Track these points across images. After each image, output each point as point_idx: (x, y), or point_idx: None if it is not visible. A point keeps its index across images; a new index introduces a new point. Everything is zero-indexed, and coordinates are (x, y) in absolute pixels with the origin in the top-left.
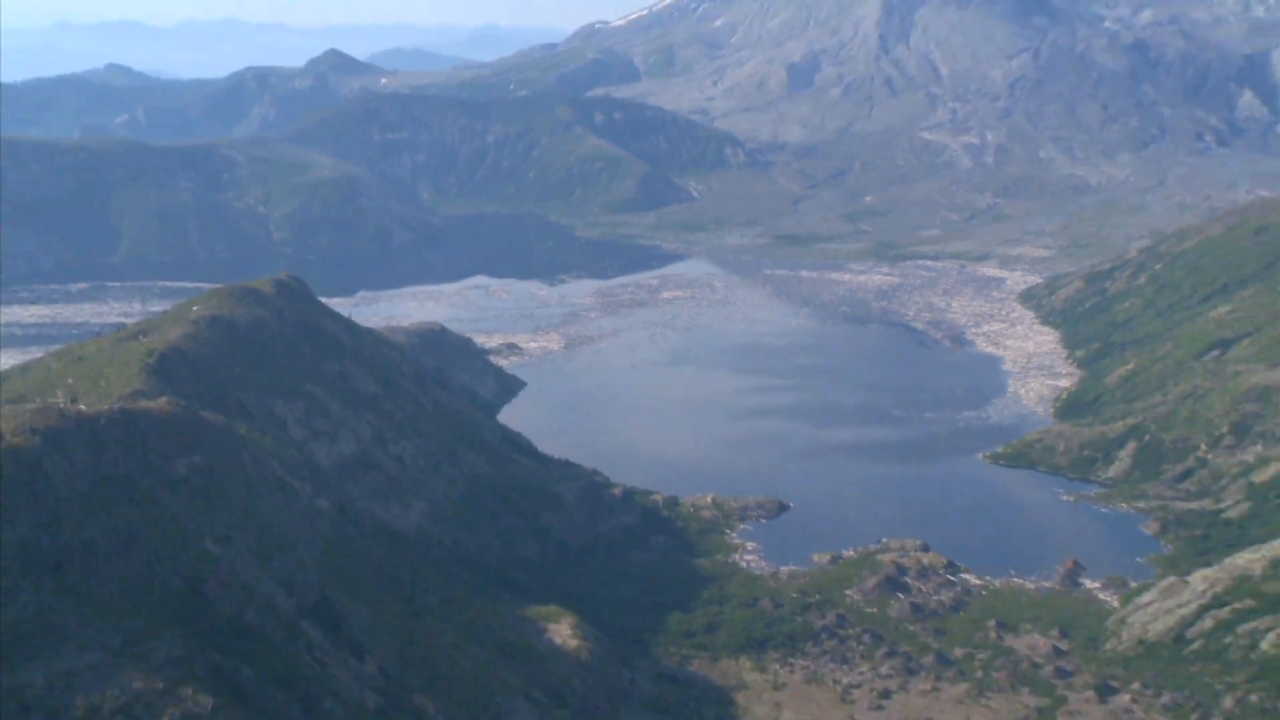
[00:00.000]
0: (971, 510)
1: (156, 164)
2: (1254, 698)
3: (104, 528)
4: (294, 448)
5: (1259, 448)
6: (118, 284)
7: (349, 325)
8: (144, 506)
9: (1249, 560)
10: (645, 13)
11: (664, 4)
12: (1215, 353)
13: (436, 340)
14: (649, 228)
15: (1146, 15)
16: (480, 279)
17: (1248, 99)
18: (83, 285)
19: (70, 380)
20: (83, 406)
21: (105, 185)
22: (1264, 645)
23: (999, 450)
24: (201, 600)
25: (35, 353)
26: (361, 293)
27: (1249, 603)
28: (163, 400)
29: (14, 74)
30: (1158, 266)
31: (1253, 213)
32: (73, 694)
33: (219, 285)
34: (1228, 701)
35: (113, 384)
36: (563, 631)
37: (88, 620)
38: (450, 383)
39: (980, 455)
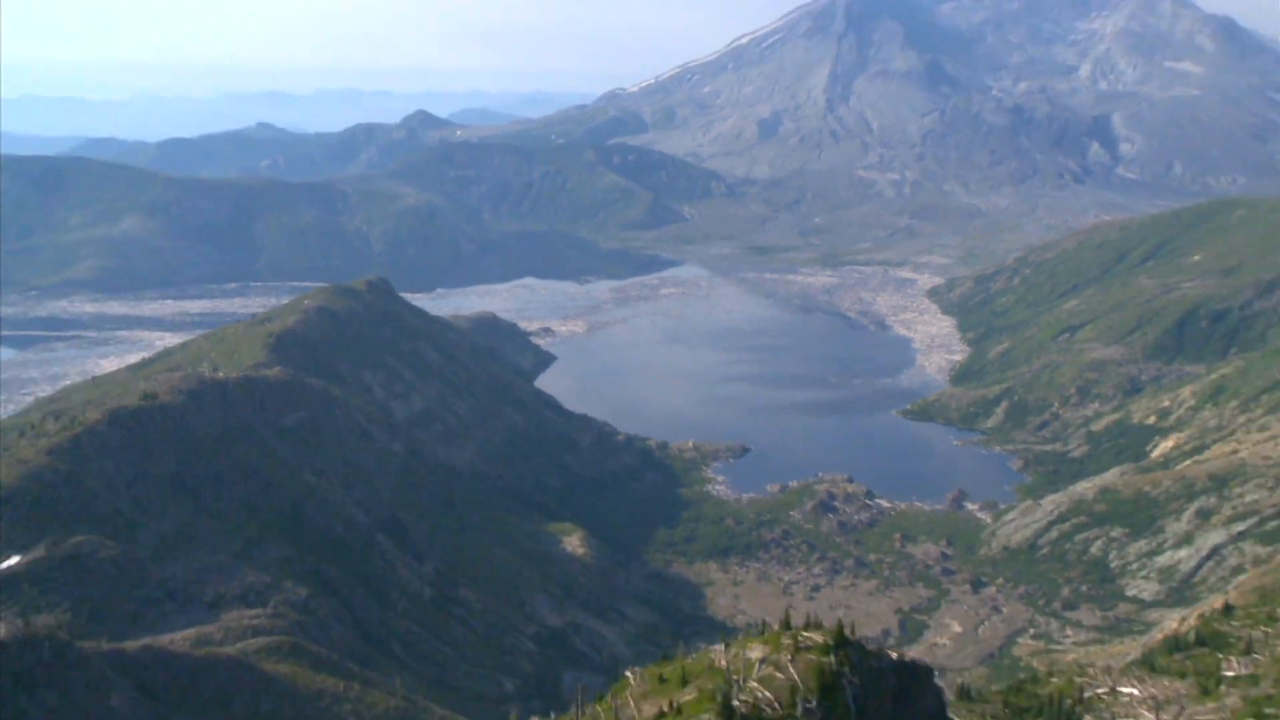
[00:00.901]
0: (886, 452)
1: (289, 196)
2: (1084, 587)
3: (230, 463)
4: (376, 405)
5: (1096, 405)
6: (258, 284)
7: (421, 313)
8: (260, 448)
9: (1085, 488)
10: (653, 81)
11: (667, 75)
12: (1066, 335)
13: (489, 325)
14: (653, 241)
15: (1023, 86)
16: (527, 280)
17: (1095, 149)
18: (233, 285)
19: (213, 355)
20: (220, 374)
21: (252, 212)
22: (1092, 550)
23: (908, 407)
24: (301, 517)
25: (195, 334)
26: (438, 290)
27: (1083, 519)
28: (277, 369)
29: (191, 131)
30: (1027, 271)
31: (1097, 232)
32: (204, 584)
33: (325, 284)
34: (1065, 591)
35: (243, 357)
36: (574, 542)
37: (216, 531)
38: (498, 357)
39: (894, 411)
